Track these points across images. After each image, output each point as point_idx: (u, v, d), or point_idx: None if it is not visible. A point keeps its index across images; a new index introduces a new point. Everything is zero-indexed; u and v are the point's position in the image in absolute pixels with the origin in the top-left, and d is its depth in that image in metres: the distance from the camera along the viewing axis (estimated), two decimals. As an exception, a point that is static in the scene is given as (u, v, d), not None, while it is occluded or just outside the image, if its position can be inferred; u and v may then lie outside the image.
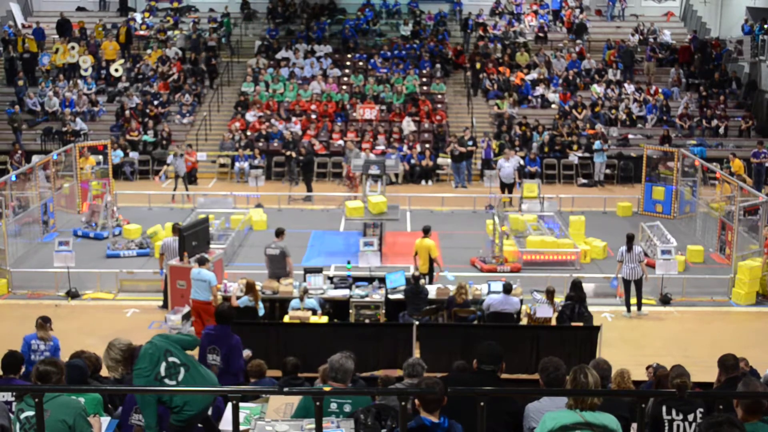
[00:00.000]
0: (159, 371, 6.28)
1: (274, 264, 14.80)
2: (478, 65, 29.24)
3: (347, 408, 6.26)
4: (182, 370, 6.39)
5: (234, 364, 9.31)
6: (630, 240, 15.14)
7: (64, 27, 31.04)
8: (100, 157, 21.87)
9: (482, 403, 4.77)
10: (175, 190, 23.10)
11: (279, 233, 15.18)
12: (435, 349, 12.54)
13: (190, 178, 23.81)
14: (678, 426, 6.86)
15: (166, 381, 6.28)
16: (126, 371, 6.43)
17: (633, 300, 15.35)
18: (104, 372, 9.10)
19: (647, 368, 10.10)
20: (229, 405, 4.93)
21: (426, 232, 15.49)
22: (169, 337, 6.66)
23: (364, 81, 28.95)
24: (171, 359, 6.37)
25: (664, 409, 6.89)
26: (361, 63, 30.16)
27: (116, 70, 29.73)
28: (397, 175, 24.32)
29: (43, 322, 10.63)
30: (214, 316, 9.69)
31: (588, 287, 16.00)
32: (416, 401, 5.49)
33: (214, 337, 9.37)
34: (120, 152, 25.25)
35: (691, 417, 6.85)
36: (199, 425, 6.75)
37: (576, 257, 17.58)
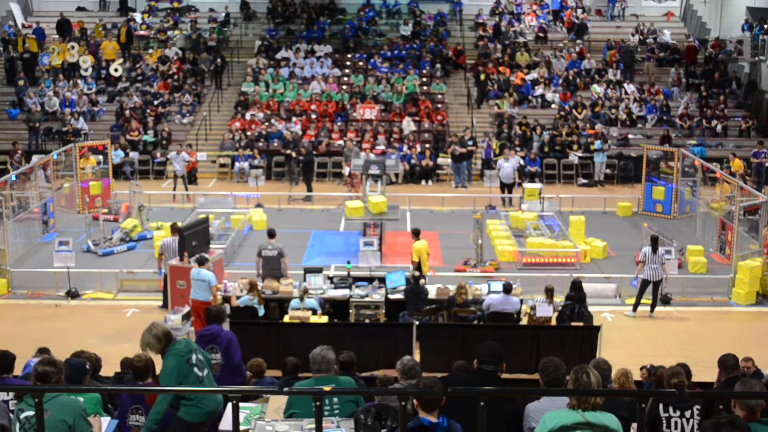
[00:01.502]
0: (191, 358, 6.95)
1: (270, 265, 14.79)
2: (482, 76, 29.01)
3: (335, 400, 6.33)
4: (206, 369, 7.10)
5: (234, 357, 9.50)
6: (655, 241, 15.19)
7: (63, 27, 31.04)
8: (100, 157, 21.88)
9: (482, 403, 4.77)
10: (174, 189, 23.12)
11: (272, 234, 15.20)
12: (435, 349, 12.56)
13: (190, 178, 23.81)
14: (676, 423, 6.90)
15: (195, 370, 6.94)
16: (162, 350, 6.98)
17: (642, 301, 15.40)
18: (104, 372, 9.13)
19: (641, 369, 10.12)
20: (229, 405, 4.93)
21: (418, 233, 15.54)
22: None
23: (364, 81, 28.95)
24: (200, 355, 7.09)
25: (661, 407, 6.92)
26: (361, 63, 30.16)
27: (116, 70, 29.73)
28: (397, 175, 24.32)
29: (40, 353, 10.16)
30: (205, 317, 9.81)
31: (610, 287, 16.07)
32: (415, 401, 5.48)
33: (209, 336, 9.50)
34: (120, 152, 25.26)
35: (688, 413, 6.90)
36: None
37: (575, 259, 17.58)
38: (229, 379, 9.33)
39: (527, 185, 21.95)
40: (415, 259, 15.34)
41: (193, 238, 14.87)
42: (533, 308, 13.53)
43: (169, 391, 6.99)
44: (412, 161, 25.57)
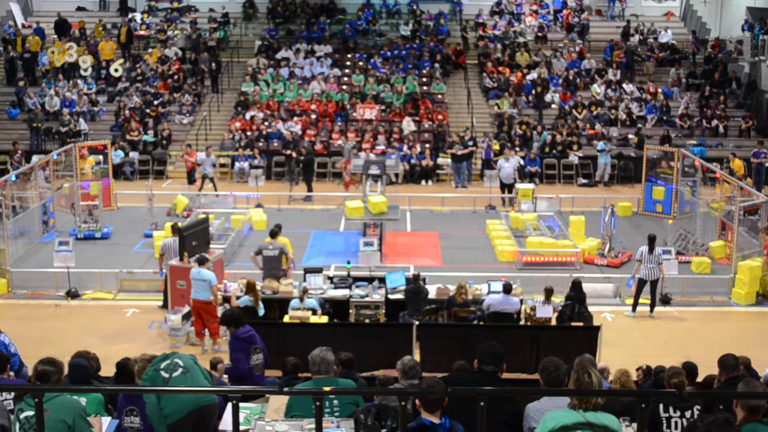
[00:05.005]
0: (159, 366, 6.68)
1: (271, 265, 14.78)
2: (500, 100, 28.96)
3: (335, 402, 6.33)
4: (180, 370, 6.68)
5: (267, 353, 9.81)
6: (652, 241, 15.18)
7: (62, 27, 31.01)
8: (100, 157, 21.84)
9: (482, 403, 4.76)
10: (200, 190, 22.92)
11: (274, 234, 15.19)
12: (435, 349, 12.55)
13: (190, 178, 23.75)
14: (676, 423, 6.89)
15: (162, 373, 6.62)
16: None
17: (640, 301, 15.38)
18: (104, 372, 9.13)
19: (637, 370, 10.13)
20: (229, 405, 4.92)
21: (277, 231, 15.50)
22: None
23: (364, 81, 28.95)
24: (176, 360, 6.75)
25: (661, 407, 6.91)
26: (361, 63, 30.15)
27: (116, 70, 29.72)
28: (397, 175, 24.31)
29: None
30: (230, 322, 9.78)
31: (609, 287, 16.06)
32: (417, 402, 5.47)
33: (252, 338, 9.60)
34: (120, 152, 25.25)
35: (688, 414, 6.89)
36: None
37: (575, 258, 17.58)
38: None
39: (520, 185, 21.89)
40: None
41: (193, 238, 14.87)
42: (533, 308, 13.53)
43: (167, 391, 6.95)
44: (412, 161, 25.56)
